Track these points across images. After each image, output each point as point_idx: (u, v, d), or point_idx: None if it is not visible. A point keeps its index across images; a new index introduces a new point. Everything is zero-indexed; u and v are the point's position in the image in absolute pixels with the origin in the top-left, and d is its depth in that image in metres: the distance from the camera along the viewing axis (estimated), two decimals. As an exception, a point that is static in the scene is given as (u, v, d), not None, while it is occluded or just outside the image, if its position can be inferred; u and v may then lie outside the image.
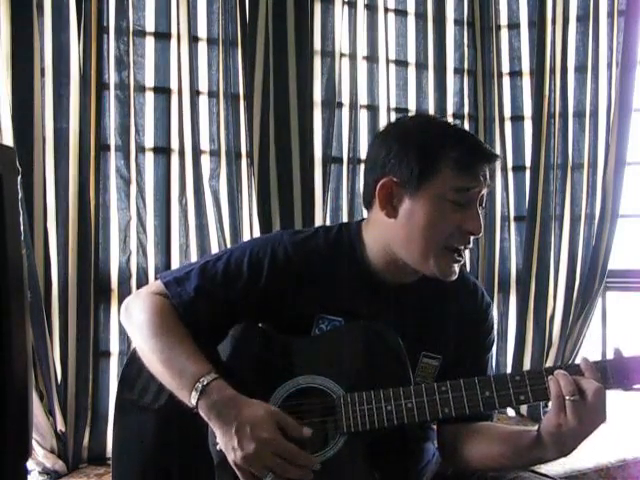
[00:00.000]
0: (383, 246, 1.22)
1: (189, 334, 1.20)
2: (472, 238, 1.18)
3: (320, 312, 1.22)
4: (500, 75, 2.61)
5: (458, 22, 2.58)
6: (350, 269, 1.25)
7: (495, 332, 1.36)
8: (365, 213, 1.30)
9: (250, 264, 1.23)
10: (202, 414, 1.10)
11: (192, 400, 1.11)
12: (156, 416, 1.22)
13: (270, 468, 1.07)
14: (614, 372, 1.06)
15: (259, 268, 1.23)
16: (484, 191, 1.18)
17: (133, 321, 1.25)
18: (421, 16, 2.51)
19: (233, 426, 1.07)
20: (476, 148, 1.18)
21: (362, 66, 2.42)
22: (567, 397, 1.03)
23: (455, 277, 1.19)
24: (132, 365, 1.25)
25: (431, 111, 2.51)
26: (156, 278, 1.32)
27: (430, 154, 1.16)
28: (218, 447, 1.12)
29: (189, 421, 1.15)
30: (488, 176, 1.19)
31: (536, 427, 1.10)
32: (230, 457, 1.08)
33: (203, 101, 2.20)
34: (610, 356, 1.10)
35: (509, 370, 2.57)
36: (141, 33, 2.11)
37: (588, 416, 1.03)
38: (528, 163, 2.58)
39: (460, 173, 1.15)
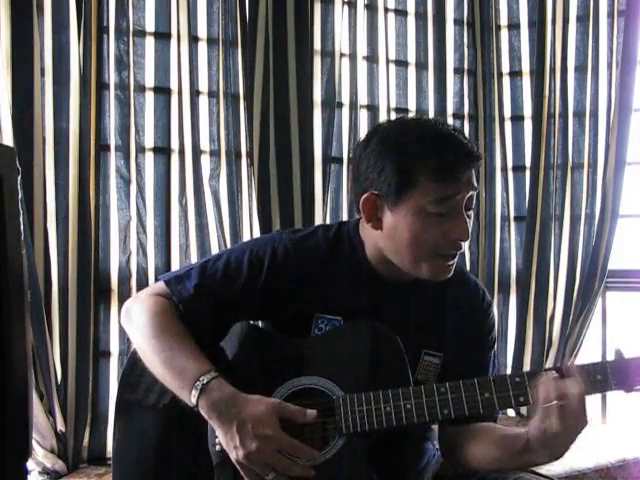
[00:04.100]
0: (378, 250, 1.22)
1: (189, 334, 1.20)
2: (462, 243, 1.17)
3: (319, 311, 1.22)
4: (500, 75, 2.61)
5: (458, 22, 2.59)
6: (350, 267, 1.25)
7: (496, 331, 1.35)
8: None
9: (250, 263, 1.23)
10: (203, 413, 1.10)
11: (192, 399, 1.10)
12: (155, 417, 1.22)
13: (272, 465, 1.06)
14: (615, 374, 1.05)
15: (259, 267, 1.23)
16: (470, 193, 1.15)
17: (133, 323, 1.24)
18: (421, 16, 2.51)
19: (234, 424, 1.07)
20: (455, 154, 1.13)
21: (362, 66, 2.42)
22: (551, 402, 1.03)
23: (450, 275, 1.19)
24: (132, 366, 1.25)
25: (431, 111, 2.51)
26: (156, 280, 1.32)
27: (406, 166, 1.12)
28: (217, 447, 1.12)
29: (188, 422, 1.15)
30: (473, 178, 1.16)
31: (524, 430, 1.10)
32: (232, 455, 1.08)
33: (203, 101, 2.20)
34: (611, 357, 1.09)
35: (509, 370, 2.57)
36: (141, 33, 2.12)
37: (572, 420, 1.03)
38: (528, 163, 2.58)
39: (439, 183, 1.11)
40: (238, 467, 1.08)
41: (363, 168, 1.19)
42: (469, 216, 1.17)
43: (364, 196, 1.18)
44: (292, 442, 1.07)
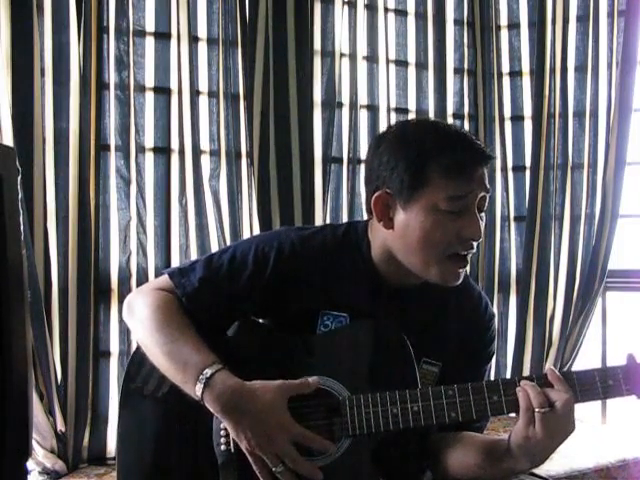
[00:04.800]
0: (386, 251, 1.21)
1: (192, 326, 1.18)
2: (474, 243, 1.15)
3: (324, 307, 1.21)
4: (500, 75, 2.61)
5: (458, 22, 2.59)
6: (355, 268, 1.24)
7: (495, 345, 1.34)
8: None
9: (256, 257, 1.22)
10: (208, 406, 1.09)
11: (197, 392, 1.09)
12: (159, 415, 1.20)
13: (282, 456, 1.05)
14: (627, 379, 1.04)
15: (265, 261, 1.22)
16: (482, 194, 1.14)
17: (136, 316, 1.23)
18: (421, 16, 2.51)
19: (243, 414, 1.06)
20: (467, 152, 1.13)
21: (362, 66, 2.42)
22: (536, 409, 1.02)
23: (459, 282, 1.17)
24: (135, 363, 1.23)
25: (431, 111, 2.51)
26: (159, 274, 1.31)
27: (418, 163, 1.12)
28: (223, 447, 1.12)
29: (193, 420, 1.14)
30: (486, 179, 1.15)
31: (506, 437, 1.09)
32: (243, 445, 1.07)
33: (203, 101, 2.21)
34: (621, 360, 1.07)
35: (509, 370, 2.58)
36: (141, 33, 2.12)
37: (557, 427, 1.02)
38: (528, 163, 2.58)
39: (451, 181, 1.11)
40: (249, 456, 1.07)
41: (375, 167, 1.18)
42: (481, 218, 1.16)
43: (376, 194, 1.17)
44: (304, 431, 1.07)
